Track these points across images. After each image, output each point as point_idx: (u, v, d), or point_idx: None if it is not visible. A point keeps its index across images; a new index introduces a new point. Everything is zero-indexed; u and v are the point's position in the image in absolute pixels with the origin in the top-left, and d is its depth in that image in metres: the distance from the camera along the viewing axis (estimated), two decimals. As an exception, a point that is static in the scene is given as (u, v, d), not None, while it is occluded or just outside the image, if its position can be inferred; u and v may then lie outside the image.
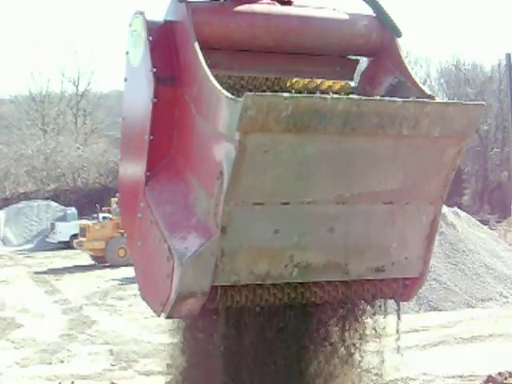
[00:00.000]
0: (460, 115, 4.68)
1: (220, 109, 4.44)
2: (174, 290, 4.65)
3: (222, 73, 5.31)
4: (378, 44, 5.56)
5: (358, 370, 5.68)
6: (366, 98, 4.69)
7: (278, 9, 5.43)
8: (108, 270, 25.92)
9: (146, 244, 5.20)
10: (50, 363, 12.23)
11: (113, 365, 11.95)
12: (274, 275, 4.77)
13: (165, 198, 5.06)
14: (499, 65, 48.47)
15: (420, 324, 13.93)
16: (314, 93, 5.66)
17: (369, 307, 5.50)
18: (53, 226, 34.96)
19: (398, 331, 5.59)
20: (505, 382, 8.68)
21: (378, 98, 4.92)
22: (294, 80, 5.83)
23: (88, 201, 41.35)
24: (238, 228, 4.55)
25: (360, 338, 5.59)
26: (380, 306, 5.53)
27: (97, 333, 14.78)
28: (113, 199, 29.88)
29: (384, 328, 5.61)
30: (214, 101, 4.52)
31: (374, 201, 4.84)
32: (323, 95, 4.48)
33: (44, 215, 38.84)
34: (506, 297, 17.10)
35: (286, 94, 4.30)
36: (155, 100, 5.09)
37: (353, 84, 5.85)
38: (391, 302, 5.49)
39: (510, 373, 8.89)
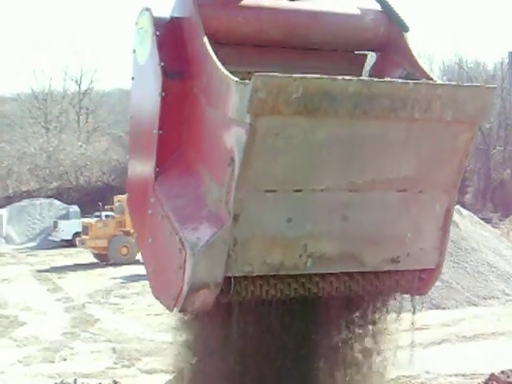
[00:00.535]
0: (472, 98, 4.63)
1: (230, 95, 4.43)
2: (186, 282, 4.58)
3: (229, 68, 5.31)
4: (386, 38, 5.54)
5: (363, 369, 5.65)
6: (377, 79, 4.67)
7: (286, 3, 5.42)
8: (110, 268, 25.95)
9: (156, 240, 5.17)
10: (53, 361, 12.25)
11: (115, 363, 11.97)
12: (287, 266, 4.71)
13: (175, 192, 5.03)
14: (502, 63, 48.37)
15: (422, 322, 13.91)
16: None
17: (380, 304, 5.44)
18: (55, 225, 35.00)
19: (412, 325, 5.53)
20: (507, 380, 8.67)
21: (389, 79, 4.84)
22: None
23: (90, 199, 41.37)
24: (250, 216, 4.50)
25: (372, 337, 5.55)
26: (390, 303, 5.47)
27: (99, 331, 14.79)
28: (115, 197, 29.94)
29: (386, 327, 5.60)
30: (224, 88, 4.51)
31: (388, 188, 4.79)
32: (333, 76, 4.41)
33: (47, 213, 38.88)
34: (508, 295, 17.08)
35: (295, 75, 4.26)
36: (163, 94, 5.09)
37: None
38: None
39: (512, 371, 8.88)
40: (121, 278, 23.26)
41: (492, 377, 8.88)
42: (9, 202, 41.39)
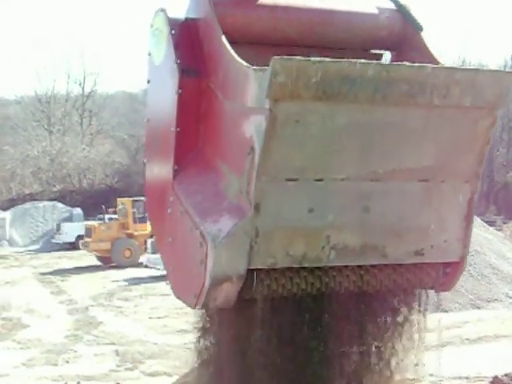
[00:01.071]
0: (491, 83, 4.58)
1: (248, 84, 4.41)
2: (208, 276, 4.51)
3: None
4: (401, 36, 5.52)
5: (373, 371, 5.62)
6: (396, 63, 4.64)
7: (301, 1, 5.41)
8: (114, 271, 25.91)
9: (176, 238, 5.13)
10: (56, 364, 12.22)
11: (118, 365, 11.94)
12: (310, 258, 4.65)
13: (194, 189, 5.01)
14: (505, 65, 48.34)
15: (425, 325, 13.86)
16: None
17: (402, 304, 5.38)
18: (58, 227, 34.98)
19: (439, 325, 5.48)
20: (511, 382, 8.64)
21: (408, 63, 4.82)
22: None
23: (94, 202, 41.37)
24: (271, 206, 4.45)
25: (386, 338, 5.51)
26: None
27: (102, 333, 14.77)
28: (119, 200, 29.96)
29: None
30: (242, 78, 4.50)
31: (409, 178, 4.74)
32: (352, 60, 4.38)
33: (50, 216, 38.87)
34: (512, 298, 17.05)
35: (314, 58, 4.22)
36: (180, 91, 5.10)
37: None
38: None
39: (516, 374, 8.86)
40: (124, 280, 23.24)
41: (496, 379, 8.84)
42: (12, 205, 41.38)
